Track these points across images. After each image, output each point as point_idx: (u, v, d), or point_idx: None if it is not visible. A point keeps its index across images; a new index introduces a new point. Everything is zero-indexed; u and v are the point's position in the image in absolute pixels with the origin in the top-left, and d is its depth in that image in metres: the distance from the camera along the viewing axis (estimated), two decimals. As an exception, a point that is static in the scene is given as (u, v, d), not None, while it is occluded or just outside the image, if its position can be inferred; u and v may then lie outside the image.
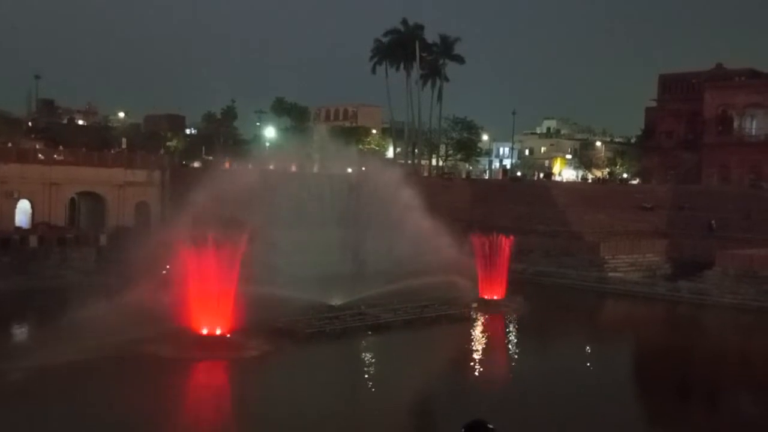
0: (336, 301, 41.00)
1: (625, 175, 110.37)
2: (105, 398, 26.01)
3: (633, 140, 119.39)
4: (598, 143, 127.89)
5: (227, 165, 66.96)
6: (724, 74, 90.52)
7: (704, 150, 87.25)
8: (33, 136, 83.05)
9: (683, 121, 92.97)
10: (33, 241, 49.34)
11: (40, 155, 57.60)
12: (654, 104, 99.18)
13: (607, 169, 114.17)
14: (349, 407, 27.04)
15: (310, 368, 32.03)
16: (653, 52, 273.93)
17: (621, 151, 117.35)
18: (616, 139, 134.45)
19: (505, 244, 45.39)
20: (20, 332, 38.05)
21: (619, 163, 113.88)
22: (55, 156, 58.00)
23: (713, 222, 61.93)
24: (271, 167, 55.47)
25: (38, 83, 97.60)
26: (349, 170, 54.93)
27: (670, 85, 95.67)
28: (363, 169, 52.85)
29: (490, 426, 5.70)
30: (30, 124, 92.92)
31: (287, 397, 27.09)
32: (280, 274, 39.43)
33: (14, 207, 53.34)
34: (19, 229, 51.97)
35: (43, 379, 27.10)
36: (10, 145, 63.30)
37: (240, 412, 25.91)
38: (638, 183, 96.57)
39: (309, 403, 26.42)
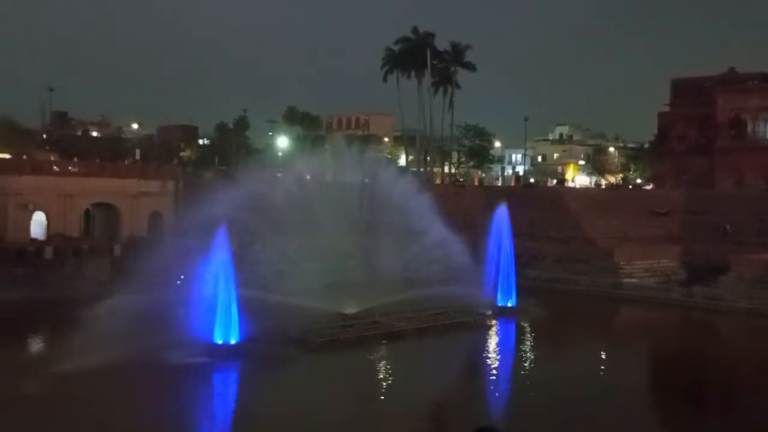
0: (350, 309, 41.01)
1: (638, 181, 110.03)
2: (117, 406, 26.19)
3: (646, 145, 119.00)
4: (611, 149, 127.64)
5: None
6: (737, 78, 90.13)
7: (717, 154, 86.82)
8: (47, 148, 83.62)
9: (696, 125, 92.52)
10: (48, 252, 49.65)
11: (54, 167, 57.96)
12: (667, 109, 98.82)
13: (621, 175, 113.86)
14: (363, 416, 27.03)
15: (323, 377, 32.08)
16: (666, 56, 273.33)
17: (634, 157, 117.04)
18: (629, 145, 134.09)
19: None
20: (37, 342, 38.30)
21: (632, 169, 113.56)
22: (70, 168, 58.35)
23: (728, 226, 61.56)
24: (282, 176, 55.62)
25: (52, 95, 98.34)
26: (365, 180, 55.02)
27: (683, 90, 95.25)
28: (376, 176, 52.86)
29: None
30: (44, 136, 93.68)
31: (300, 406, 27.15)
32: (293, 282, 39.54)
33: (29, 219, 53.66)
34: (34, 240, 52.30)
35: (59, 386, 27.36)
36: (24, 157, 63.79)
37: (252, 422, 25.95)
38: (652, 188, 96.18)
39: (322, 411, 26.47)
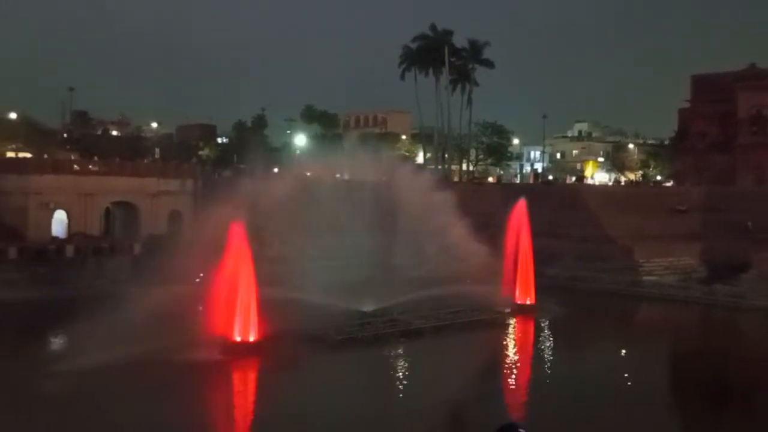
0: (368, 307, 41.03)
1: (658, 178, 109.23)
2: (132, 404, 26.36)
3: (666, 142, 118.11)
4: (631, 146, 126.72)
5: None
6: (758, 74, 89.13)
7: (738, 151, 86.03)
8: (68, 147, 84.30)
9: (717, 122, 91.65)
10: (69, 251, 50.06)
11: (75, 166, 58.43)
12: (687, 105, 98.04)
13: (640, 172, 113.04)
14: (381, 413, 27.03)
15: (342, 374, 32.14)
16: (685, 52, 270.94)
17: (654, 154, 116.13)
18: (649, 141, 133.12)
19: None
20: (56, 340, 38.55)
21: (652, 166, 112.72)
22: (90, 167, 58.83)
23: (749, 224, 60.96)
24: (300, 174, 55.76)
25: (72, 95, 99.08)
26: (383, 178, 55.01)
27: (703, 86, 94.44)
28: (394, 174, 52.82)
29: (522, 430, 5.71)
30: (65, 135, 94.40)
31: (319, 403, 27.20)
32: (311, 280, 39.60)
33: (50, 217, 54.17)
34: (55, 239, 52.76)
35: (77, 384, 27.56)
36: (45, 156, 64.38)
37: (271, 419, 26.01)
38: (672, 185, 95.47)
39: (340, 408, 26.50)
